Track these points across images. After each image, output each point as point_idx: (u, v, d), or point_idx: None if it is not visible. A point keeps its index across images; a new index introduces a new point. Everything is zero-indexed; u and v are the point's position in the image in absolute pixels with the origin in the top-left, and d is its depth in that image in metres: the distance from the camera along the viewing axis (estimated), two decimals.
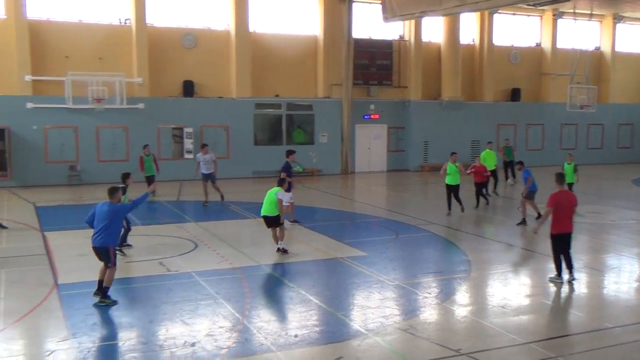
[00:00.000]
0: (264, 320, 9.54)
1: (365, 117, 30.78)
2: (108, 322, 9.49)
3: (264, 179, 27.66)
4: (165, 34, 26.96)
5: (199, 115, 27.07)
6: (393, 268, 12.76)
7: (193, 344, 8.54)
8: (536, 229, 12.31)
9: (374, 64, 30.70)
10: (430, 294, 10.98)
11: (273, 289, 11.13)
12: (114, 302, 10.03)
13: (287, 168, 16.84)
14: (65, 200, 21.23)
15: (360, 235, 16.35)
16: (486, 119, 32.79)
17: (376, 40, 30.91)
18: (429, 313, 10.07)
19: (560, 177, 11.63)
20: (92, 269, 12.19)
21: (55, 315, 9.68)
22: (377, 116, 31.00)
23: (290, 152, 17.60)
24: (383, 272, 12.29)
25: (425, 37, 31.77)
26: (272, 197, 13.63)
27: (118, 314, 9.79)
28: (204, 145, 20.91)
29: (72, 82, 24.20)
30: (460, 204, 18.37)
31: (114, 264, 10.17)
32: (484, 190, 19.98)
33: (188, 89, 27.14)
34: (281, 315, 9.80)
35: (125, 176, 13.86)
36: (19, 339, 8.80)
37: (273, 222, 13.67)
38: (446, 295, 10.92)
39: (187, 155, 26.74)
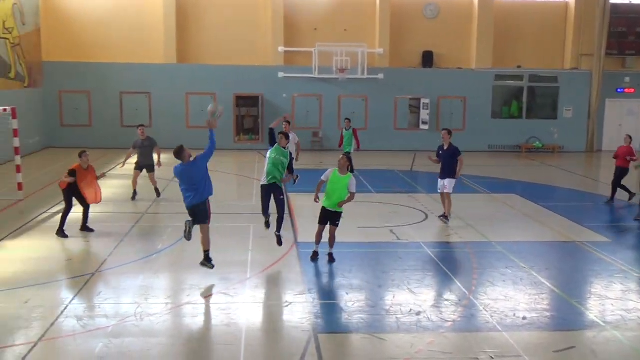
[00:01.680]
0: (491, 298, 9.35)
1: (619, 90, 28.06)
2: (340, 282, 10.03)
3: (499, 153, 26.84)
4: (408, 4, 27.15)
5: (437, 86, 26.96)
6: None
7: (418, 313, 8.69)
8: None
9: (633, 32, 27.72)
10: None
11: (503, 268, 10.81)
12: (212, 266, 9.92)
13: None
14: (306, 164, 22.66)
15: (604, 219, 15.12)
16: None
17: (638, 4, 27.82)
18: None
19: None
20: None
21: (294, 270, 10.48)
22: (632, 90, 28.07)
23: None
24: (628, 261, 11.27)
25: None
26: (344, 183, 10.73)
27: (349, 276, 10.28)
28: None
29: (318, 53, 25.64)
30: None
31: (209, 218, 9.86)
32: None
33: (427, 59, 27.12)
34: (509, 295, 9.51)
35: None
36: (262, 288, 9.72)
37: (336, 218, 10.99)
38: None
39: (422, 127, 26.89)
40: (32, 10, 24.27)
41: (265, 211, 11.37)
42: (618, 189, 16.31)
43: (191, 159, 9.62)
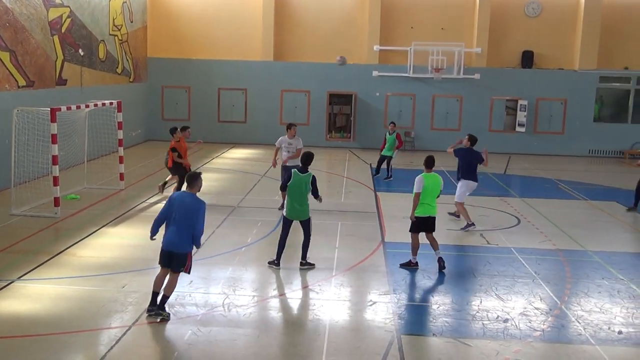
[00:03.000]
0: (584, 310, 8.97)
1: None
2: (425, 285, 9.92)
3: (601, 158, 25.64)
4: (508, 2, 26.38)
5: (536, 87, 26.05)
6: None
7: (506, 320, 8.46)
8: None
9: None
10: None
11: (599, 278, 10.33)
12: (168, 316, 8.16)
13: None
14: (398, 164, 22.52)
15: None
16: None
17: None
18: None
19: None
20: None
21: (380, 270, 10.46)
22: None
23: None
24: None
25: None
26: (439, 187, 10.58)
27: (434, 278, 10.16)
28: (290, 126, 14.59)
29: (414, 52, 25.41)
30: None
31: (189, 270, 8.27)
32: None
33: (527, 59, 26.25)
34: (604, 307, 9.08)
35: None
36: (347, 286, 9.76)
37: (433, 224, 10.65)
38: None
39: (519, 129, 26.09)
40: (140, 8, 25.47)
41: None
42: None
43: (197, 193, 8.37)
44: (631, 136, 26.22)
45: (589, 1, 25.51)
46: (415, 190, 10.46)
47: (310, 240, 10.47)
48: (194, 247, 8.25)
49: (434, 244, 10.55)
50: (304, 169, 10.30)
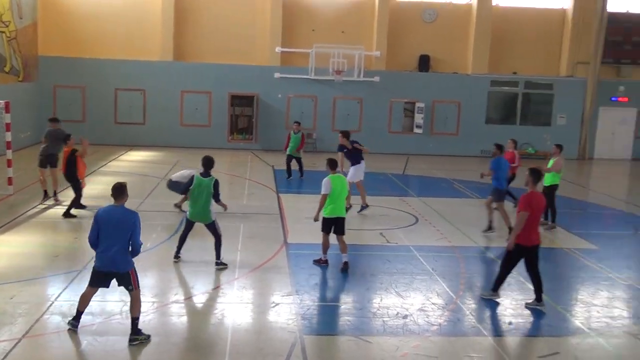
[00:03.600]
0: (478, 303, 9.37)
1: (613, 99, 28.15)
2: (328, 285, 10.05)
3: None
4: (406, 8, 27.15)
5: (432, 90, 26.98)
6: (627, 266, 11.68)
7: (405, 317, 8.70)
8: None
9: (629, 40, 27.82)
10: None
11: (490, 272, 10.84)
12: (148, 338, 7.64)
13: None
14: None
15: (593, 227, 15.19)
16: None
17: (634, 14, 27.93)
18: None
19: None
20: (318, 232, 12.98)
21: (283, 272, 10.48)
22: (626, 99, 28.16)
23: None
24: (615, 269, 11.31)
25: None
26: (346, 188, 11.04)
27: (338, 277, 10.31)
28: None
29: (316, 54, 25.65)
30: None
31: (137, 285, 7.69)
32: None
33: (424, 63, 27.15)
34: (496, 301, 9.52)
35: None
36: (249, 289, 9.71)
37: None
38: None
39: (416, 130, 26.93)
40: (29, 4, 24.19)
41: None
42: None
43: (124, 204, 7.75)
44: (519, 137, 27.55)
45: (480, 9, 26.73)
46: (322, 191, 10.58)
47: (222, 240, 10.48)
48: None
49: (342, 247, 10.70)
50: (206, 173, 10.35)
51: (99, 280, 7.71)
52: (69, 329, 7.69)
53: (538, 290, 9.20)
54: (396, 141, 26.84)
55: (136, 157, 23.05)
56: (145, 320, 8.18)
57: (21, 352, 7.21)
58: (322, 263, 10.82)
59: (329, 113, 26.74)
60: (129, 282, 7.56)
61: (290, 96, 26.51)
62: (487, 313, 8.98)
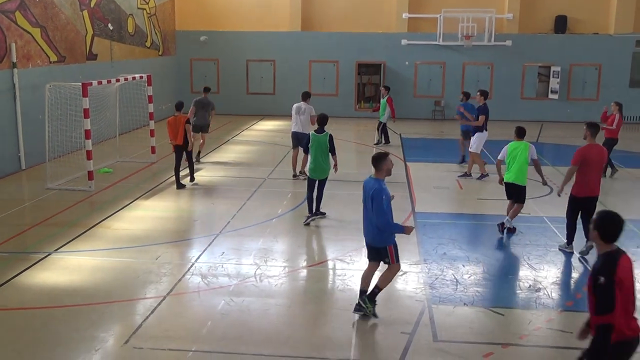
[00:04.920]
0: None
1: None
2: (457, 254, 9.88)
3: (637, 125, 25.05)
4: None
5: (570, 53, 25.46)
6: None
7: (538, 290, 8.42)
8: None
9: None
10: None
11: (634, 247, 10.18)
12: (374, 313, 7.50)
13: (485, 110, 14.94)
14: (428, 133, 22.36)
15: None
16: None
17: None
18: None
19: None
20: (446, 201, 12.82)
21: (411, 241, 10.41)
22: None
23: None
24: None
25: None
26: (525, 156, 10.64)
27: (466, 249, 10.12)
28: (308, 95, 15.57)
29: (444, 19, 24.98)
30: None
31: (397, 260, 7.55)
32: None
33: (560, 24, 25.62)
34: (639, 276, 8.94)
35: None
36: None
37: (520, 194, 10.81)
38: None
39: (551, 96, 25.61)
40: None
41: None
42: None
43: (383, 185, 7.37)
44: None
45: None
46: (499, 157, 11.03)
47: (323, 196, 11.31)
48: None
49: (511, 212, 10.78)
50: (321, 129, 11.36)
51: (370, 254, 7.68)
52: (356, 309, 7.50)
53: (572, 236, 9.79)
54: (529, 107, 25.68)
55: (267, 126, 23.76)
56: (277, 285, 8.51)
57: (166, 308, 7.75)
58: (511, 231, 10.75)
59: (458, 80, 26.04)
60: (386, 255, 7.44)
61: (418, 63, 26.07)
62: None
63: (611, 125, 14.91)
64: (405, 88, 26.00)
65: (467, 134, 15.55)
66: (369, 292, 7.52)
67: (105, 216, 11.54)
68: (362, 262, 9.39)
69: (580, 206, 9.70)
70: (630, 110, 25.11)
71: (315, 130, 11.35)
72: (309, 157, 11.35)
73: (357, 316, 7.53)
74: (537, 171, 10.75)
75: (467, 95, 16.14)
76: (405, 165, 16.54)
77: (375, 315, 7.46)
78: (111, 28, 20.35)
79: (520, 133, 10.86)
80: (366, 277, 7.65)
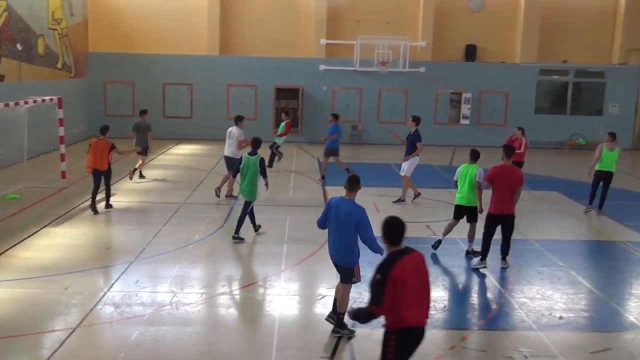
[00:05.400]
0: (527, 297, 9.22)
1: None
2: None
3: (540, 149, 26.32)
4: None
5: (479, 81, 26.59)
6: None
7: (453, 310, 8.62)
8: None
9: None
10: None
11: (540, 266, 10.65)
12: (352, 333, 7.74)
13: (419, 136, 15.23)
14: (345, 158, 22.61)
15: None
16: None
17: None
18: None
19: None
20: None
21: (329, 264, 10.45)
22: None
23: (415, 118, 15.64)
24: None
25: None
26: (472, 177, 10.75)
27: None
28: (240, 118, 15.68)
29: (360, 46, 25.56)
30: None
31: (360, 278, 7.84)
32: None
33: (470, 53, 26.76)
34: (546, 294, 9.36)
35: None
36: (296, 281, 9.77)
37: (471, 214, 11.04)
38: None
39: (463, 121, 26.59)
40: (80, 2, 24.78)
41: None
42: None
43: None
44: (570, 127, 27.08)
45: None
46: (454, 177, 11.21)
47: (244, 220, 11.53)
48: None
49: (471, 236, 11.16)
50: (253, 152, 11.54)
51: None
52: (327, 319, 7.90)
53: (503, 251, 10.31)
54: (443, 132, 26.55)
55: (184, 150, 23.41)
56: (194, 312, 8.33)
57: (75, 341, 7.42)
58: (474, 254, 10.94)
59: (374, 105, 26.63)
60: (352, 275, 7.71)
61: (336, 88, 26.49)
62: (537, 307, 8.82)
63: (519, 149, 15.60)
64: (323, 113, 26.26)
65: (332, 151, 17.06)
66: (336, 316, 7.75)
67: (10, 245, 10.97)
68: (280, 287, 9.36)
69: (496, 223, 10.20)
70: (534, 135, 26.40)
71: (248, 153, 11.55)
72: (241, 178, 11.53)
73: (275, 341, 7.48)
74: (476, 194, 10.73)
75: (335, 117, 17.51)
76: (324, 189, 16.67)
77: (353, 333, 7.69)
78: (20, 48, 19.59)
79: (473, 156, 11.06)
80: (343, 295, 7.76)
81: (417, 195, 15.40)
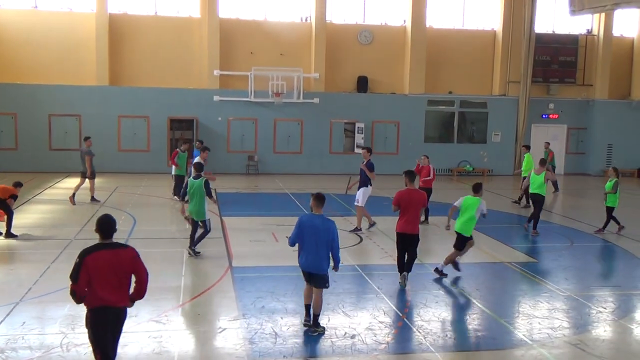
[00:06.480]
0: (424, 320, 9.47)
1: (544, 116, 29.31)
2: (275, 307, 9.95)
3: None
4: (343, 30, 27.61)
5: (371, 111, 27.43)
6: (565, 278, 12.06)
7: (353, 336, 8.71)
8: None
9: (556, 60, 29.13)
10: (605, 308, 10.23)
11: (435, 289, 11.00)
12: (324, 330, 8.83)
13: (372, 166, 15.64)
14: (243, 188, 22.56)
15: (531, 240, 15.61)
16: None
17: (560, 35, 29.31)
18: (602, 329, 9.39)
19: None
20: (263, 254, 12.94)
21: (228, 296, 10.34)
22: (556, 116, 29.40)
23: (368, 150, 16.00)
24: (554, 281, 11.67)
25: (617, 31, 29.51)
26: (473, 210, 11.44)
27: (284, 300, 10.23)
28: (202, 145, 19.03)
29: (254, 77, 25.70)
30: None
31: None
32: None
33: (362, 84, 27.60)
34: (442, 317, 9.67)
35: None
36: (195, 315, 9.53)
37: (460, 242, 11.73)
38: (624, 312, 10.11)
39: (357, 150, 27.22)
40: None
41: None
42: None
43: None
44: (457, 155, 28.42)
45: (415, 31, 27.43)
46: (455, 203, 11.80)
47: (206, 235, 12.71)
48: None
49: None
50: (197, 175, 12.45)
51: (305, 277, 8.92)
52: (304, 324, 8.83)
53: (407, 266, 10.98)
54: (338, 161, 27.08)
55: (73, 184, 22.33)
56: (87, 353, 7.91)
57: None
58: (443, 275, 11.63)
59: (270, 135, 26.78)
60: (326, 282, 8.80)
61: (231, 119, 26.43)
62: (434, 329, 9.08)
63: (427, 176, 16.34)
64: (219, 143, 26.13)
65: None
66: (312, 320, 8.79)
67: None
68: (178, 322, 9.10)
69: (402, 241, 10.97)
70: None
71: (193, 177, 12.45)
72: (190, 200, 12.35)
73: None
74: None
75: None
76: (221, 220, 16.46)
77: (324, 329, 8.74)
78: None
79: (476, 189, 11.59)
80: (317, 300, 8.79)
81: (372, 224, 15.59)
